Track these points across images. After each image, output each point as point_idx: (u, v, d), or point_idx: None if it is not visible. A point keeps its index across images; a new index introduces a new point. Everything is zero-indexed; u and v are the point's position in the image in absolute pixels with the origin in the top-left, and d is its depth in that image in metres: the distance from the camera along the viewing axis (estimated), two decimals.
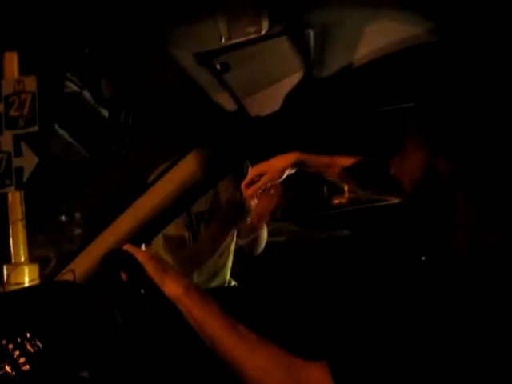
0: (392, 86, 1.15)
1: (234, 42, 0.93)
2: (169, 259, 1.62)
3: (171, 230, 1.63)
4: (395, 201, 1.16)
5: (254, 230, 1.69)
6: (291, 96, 1.18)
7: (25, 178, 1.33)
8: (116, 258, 0.87)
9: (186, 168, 1.29)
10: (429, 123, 0.74)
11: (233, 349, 0.71)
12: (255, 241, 1.74)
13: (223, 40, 0.92)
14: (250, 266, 1.95)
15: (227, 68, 1.04)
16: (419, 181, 0.76)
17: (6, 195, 1.35)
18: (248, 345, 0.71)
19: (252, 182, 1.19)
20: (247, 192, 1.20)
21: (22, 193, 1.36)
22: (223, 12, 0.86)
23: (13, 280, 1.31)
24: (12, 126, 1.34)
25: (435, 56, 1.02)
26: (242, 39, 0.93)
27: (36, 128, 1.33)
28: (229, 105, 1.21)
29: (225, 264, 1.80)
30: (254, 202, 1.55)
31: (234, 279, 1.85)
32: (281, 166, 1.16)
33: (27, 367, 0.90)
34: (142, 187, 1.31)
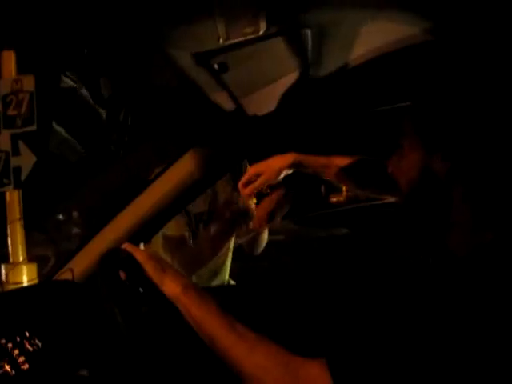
0: (389, 85, 1.15)
1: (232, 42, 0.94)
2: (168, 259, 1.63)
3: (170, 230, 1.63)
4: (393, 199, 1.16)
5: (253, 229, 1.69)
6: (289, 95, 1.19)
7: (23, 177, 1.32)
8: (115, 257, 0.87)
9: (183, 167, 1.30)
10: (424, 122, 0.74)
11: (231, 347, 0.72)
12: (255, 241, 1.75)
13: (221, 40, 0.92)
14: (248, 264, 1.95)
15: (225, 68, 1.04)
16: (416, 180, 0.76)
17: (3, 194, 1.35)
18: (247, 343, 0.71)
19: (249, 182, 1.19)
20: (244, 191, 1.21)
21: (20, 192, 1.36)
22: (221, 12, 0.86)
23: (11, 279, 1.30)
24: (10, 125, 1.34)
25: (431, 55, 1.02)
26: (239, 39, 0.93)
27: (34, 127, 1.33)
28: (227, 104, 1.22)
29: (224, 263, 1.80)
30: (252, 202, 1.56)
31: (233, 277, 1.85)
32: (278, 166, 1.17)
33: (26, 366, 0.90)
34: (140, 187, 1.31)
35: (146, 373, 1.01)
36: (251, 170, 1.19)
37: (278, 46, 1.01)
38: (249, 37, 0.93)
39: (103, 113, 2.23)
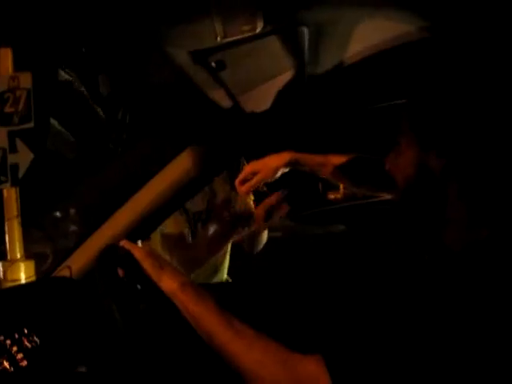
0: (386, 83, 1.16)
1: (229, 40, 0.94)
2: (166, 257, 1.63)
3: (169, 227, 1.63)
4: (389, 197, 1.17)
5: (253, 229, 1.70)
6: (286, 93, 1.19)
7: (20, 175, 1.32)
8: (113, 254, 0.87)
9: (181, 165, 1.30)
10: (419, 120, 0.75)
11: (229, 343, 0.72)
12: (255, 240, 1.76)
13: (219, 38, 0.92)
14: (246, 261, 1.96)
15: (223, 66, 1.04)
16: (412, 177, 0.76)
17: (1, 192, 1.35)
18: (244, 339, 0.72)
19: (246, 180, 1.20)
20: (241, 189, 1.21)
21: (18, 189, 1.35)
22: (219, 11, 0.86)
23: (9, 277, 1.30)
24: (7, 122, 1.33)
25: (427, 53, 1.03)
26: (237, 37, 0.93)
27: (31, 124, 1.33)
28: (224, 102, 1.22)
29: (223, 262, 1.81)
30: (250, 200, 1.57)
31: (231, 275, 1.86)
32: (274, 164, 1.17)
33: (25, 363, 0.90)
34: (138, 184, 1.31)
35: (144, 369, 1.02)
36: (248, 168, 1.20)
37: (276, 43, 1.01)
38: (246, 35, 0.93)
39: (100, 111, 2.23)
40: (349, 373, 0.63)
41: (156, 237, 1.63)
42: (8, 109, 1.33)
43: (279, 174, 1.19)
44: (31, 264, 1.35)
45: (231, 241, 1.77)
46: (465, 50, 0.94)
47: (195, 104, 1.28)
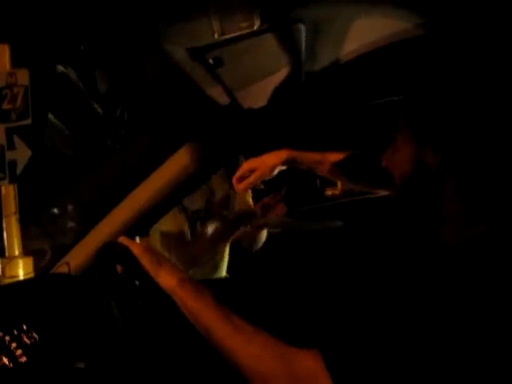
0: (383, 79, 1.16)
1: (226, 37, 0.94)
2: (166, 255, 1.63)
3: (169, 226, 1.64)
4: (386, 193, 1.17)
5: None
6: (283, 89, 1.19)
7: (18, 171, 1.32)
8: (111, 251, 0.87)
9: (179, 161, 1.30)
10: (415, 116, 0.75)
11: (227, 338, 0.72)
12: (254, 238, 1.76)
13: (216, 35, 0.92)
14: (244, 257, 1.96)
15: (220, 62, 1.04)
16: (409, 173, 0.76)
17: None
18: (243, 335, 0.72)
19: (243, 177, 1.20)
20: (238, 187, 1.21)
21: (16, 186, 1.35)
22: (216, 8, 0.86)
23: (7, 273, 1.30)
24: (4, 119, 1.33)
25: (424, 49, 1.03)
26: (234, 34, 0.93)
27: (29, 121, 1.32)
28: (222, 99, 1.22)
29: (222, 259, 1.82)
30: (249, 196, 1.57)
31: (229, 270, 1.87)
32: (272, 162, 1.17)
33: (24, 359, 0.91)
34: (136, 180, 1.32)
35: (142, 365, 1.02)
36: (245, 166, 1.20)
37: (273, 40, 1.01)
38: (243, 31, 0.94)
39: (98, 107, 2.23)
40: (346, 367, 0.63)
41: (155, 235, 1.63)
42: (6, 105, 1.33)
43: (276, 171, 1.19)
44: (29, 261, 1.35)
45: (231, 239, 1.78)
46: (461, 47, 0.94)
47: (193, 101, 1.28)
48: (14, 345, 0.92)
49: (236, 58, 1.06)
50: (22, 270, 1.31)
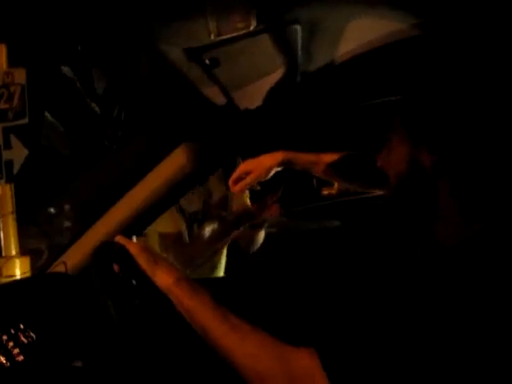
0: (378, 80, 1.17)
1: (223, 37, 0.94)
2: (164, 256, 1.63)
3: (166, 227, 1.64)
4: (381, 192, 1.17)
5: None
6: (280, 90, 1.20)
7: (15, 171, 1.32)
8: (108, 250, 0.88)
9: (175, 161, 1.30)
10: (410, 116, 0.75)
11: (224, 337, 0.73)
12: (252, 239, 1.77)
13: (212, 36, 0.93)
14: (240, 257, 1.97)
15: (217, 63, 1.05)
16: (404, 173, 0.76)
17: None
18: (239, 333, 0.72)
19: (239, 179, 1.20)
20: (234, 188, 1.21)
21: (13, 186, 1.35)
22: (213, 9, 0.87)
23: (4, 273, 1.30)
24: (1, 118, 1.33)
25: (419, 50, 1.04)
26: (231, 35, 0.94)
27: (26, 120, 1.32)
28: (218, 99, 1.22)
29: (220, 260, 1.82)
30: (246, 197, 1.58)
31: (226, 269, 1.87)
32: (268, 164, 1.18)
33: (21, 358, 0.91)
34: (132, 180, 1.32)
35: (139, 364, 1.03)
36: (241, 168, 1.20)
37: (269, 41, 1.02)
38: (240, 32, 0.94)
39: (95, 106, 2.22)
40: (342, 366, 0.63)
41: (153, 236, 1.63)
42: (2, 105, 1.33)
43: (272, 173, 1.19)
44: (26, 260, 1.35)
45: (228, 241, 1.78)
46: (457, 48, 0.95)
47: (189, 101, 1.28)
48: (11, 344, 0.92)
49: (232, 59, 1.06)
50: (18, 270, 1.32)
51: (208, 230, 1.72)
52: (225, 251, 1.84)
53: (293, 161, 1.18)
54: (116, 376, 1.00)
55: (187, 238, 1.69)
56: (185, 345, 1.03)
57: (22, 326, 0.96)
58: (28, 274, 1.33)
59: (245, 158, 1.25)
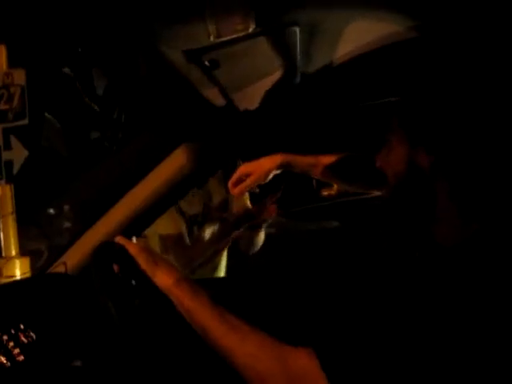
0: (377, 81, 1.17)
1: (222, 39, 0.95)
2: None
3: (167, 229, 1.65)
4: (380, 193, 1.18)
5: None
6: (279, 91, 1.20)
7: (15, 171, 1.32)
8: (108, 250, 0.88)
9: (175, 162, 1.31)
10: (408, 117, 0.75)
11: (223, 337, 0.73)
12: (252, 240, 1.77)
13: (212, 38, 0.93)
14: (240, 259, 1.97)
15: (216, 65, 1.05)
16: (402, 174, 0.77)
17: None
18: (238, 333, 0.72)
19: (239, 182, 1.21)
20: (234, 191, 1.22)
21: (12, 186, 1.36)
22: (212, 11, 0.87)
23: (4, 273, 1.31)
24: (1, 119, 1.33)
25: (417, 52, 1.04)
26: (230, 37, 0.94)
27: (25, 121, 1.32)
28: (218, 100, 1.23)
29: (220, 261, 1.83)
30: (246, 199, 1.58)
31: (227, 272, 1.88)
32: (267, 167, 1.18)
33: (22, 358, 0.92)
34: (132, 181, 1.32)
35: (139, 364, 1.03)
36: (241, 170, 1.21)
37: (268, 43, 1.02)
38: (239, 34, 0.94)
39: (95, 106, 2.23)
40: (341, 366, 0.63)
41: (154, 238, 1.64)
42: (2, 106, 1.33)
43: (271, 175, 1.20)
44: (26, 261, 1.35)
45: (229, 242, 1.78)
46: (454, 49, 0.95)
47: (189, 102, 1.28)
48: (11, 344, 0.93)
49: (232, 60, 1.07)
50: (18, 270, 1.32)
51: (208, 232, 1.72)
52: (225, 253, 1.84)
53: (292, 163, 1.19)
54: (116, 376, 1.00)
55: (188, 240, 1.70)
56: (185, 345, 1.03)
57: (22, 326, 0.97)
58: (28, 275, 1.33)
59: (245, 160, 1.25)
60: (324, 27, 1.00)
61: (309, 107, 1.35)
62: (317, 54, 1.10)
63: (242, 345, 0.71)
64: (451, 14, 0.95)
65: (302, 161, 1.19)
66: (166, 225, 1.60)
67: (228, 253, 1.86)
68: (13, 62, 1.36)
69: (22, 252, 1.36)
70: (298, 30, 0.99)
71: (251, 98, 1.23)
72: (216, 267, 1.81)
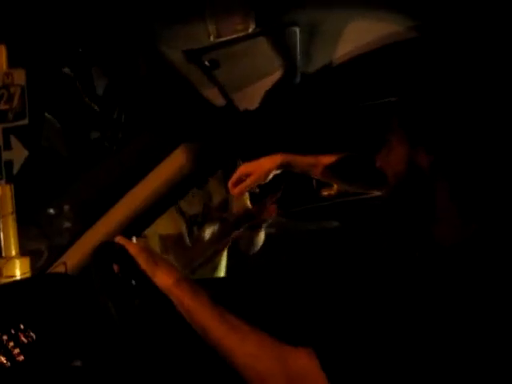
0: (377, 81, 1.17)
1: (222, 39, 0.95)
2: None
3: (167, 229, 1.65)
4: (380, 193, 1.18)
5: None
6: (279, 91, 1.20)
7: (15, 171, 1.32)
8: (108, 250, 0.88)
9: (175, 161, 1.31)
10: (408, 116, 0.75)
11: (224, 337, 0.73)
12: (252, 241, 1.78)
13: (212, 38, 0.93)
14: (240, 259, 1.97)
15: (216, 65, 1.05)
16: (402, 173, 0.77)
17: None
18: (239, 333, 0.72)
19: (239, 182, 1.21)
20: (234, 191, 1.22)
21: (12, 186, 1.36)
22: (212, 11, 0.87)
23: (4, 273, 1.31)
24: (1, 119, 1.33)
25: (417, 51, 1.04)
26: (230, 37, 0.94)
27: (25, 121, 1.32)
28: (218, 100, 1.23)
29: (220, 261, 1.83)
30: (247, 199, 1.58)
31: (227, 272, 1.88)
32: (267, 167, 1.18)
33: (22, 358, 0.92)
34: (132, 181, 1.32)
35: (139, 364, 1.03)
36: (241, 170, 1.21)
37: (268, 43, 1.02)
38: (239, 34, 0.94)
39: (95, 106, 2.23)
40: (340, 366, 0.63)
41: (154, 238, 1.64)
42: (2, 106, 1.33)
43: (271, 176, 1.20)
44: (26, 261, 1.35)
45: (229, 241, 1.78)
46: (453, 49, 0.95)
47: (189, 102, 1.29)
48: (11, 344, 0.93)
49: (232, 60, 1.07)
50: (18, 270, 1.32)
51: (208, 232, 1.72)
52: (225, 253, 1.84)
53: (292, 163, 1.19)
54: (116, 376, 1.00)
55: (188, 240, 1.70)
56: (185, 345, 1.03)
57: (22, 326, 0.97)
58: (28, 275, 1.33)
59: (245, 160, 1.25)
60: (324, 27, 1.00)
61: (309, 107, 1.35)
62: (317, 54, 1.10)
63: (242, 345, 0.71)
64: (451, 14, 0.96)
65: (302, 161, 1.19)
66: (166, 225, 1.60)
67: (228, 253, 1.86)
68: (13, 62, 1.36)
69: (22, 252, 1.36)
70: (297, 30, 0.99)
71: (251, 98, 1.23)
72: (216, 267, 1.81)
